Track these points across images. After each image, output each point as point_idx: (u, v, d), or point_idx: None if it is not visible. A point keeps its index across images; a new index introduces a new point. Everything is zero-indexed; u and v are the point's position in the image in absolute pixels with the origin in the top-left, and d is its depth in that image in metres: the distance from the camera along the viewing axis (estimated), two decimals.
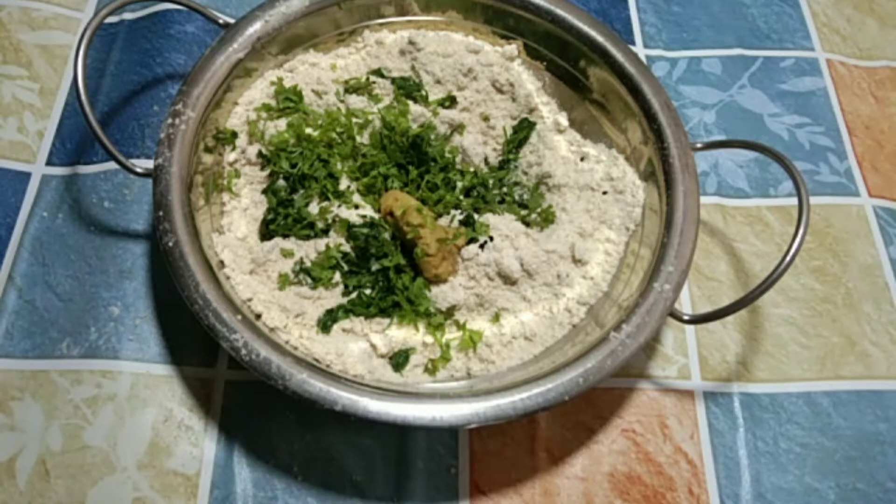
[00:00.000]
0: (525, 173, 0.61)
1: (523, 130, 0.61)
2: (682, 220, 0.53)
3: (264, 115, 0.59)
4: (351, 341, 0.53)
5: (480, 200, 0.59)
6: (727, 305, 0.50)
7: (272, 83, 0.60)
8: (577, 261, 0.56)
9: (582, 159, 0.61)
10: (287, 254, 0.55)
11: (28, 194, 0.62)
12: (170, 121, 0.54)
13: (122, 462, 0.52)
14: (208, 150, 0.57)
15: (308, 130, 0.59)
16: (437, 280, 0.54)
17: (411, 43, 0.62)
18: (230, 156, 0.58)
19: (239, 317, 0.48)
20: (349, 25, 0.64)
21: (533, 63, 0.65)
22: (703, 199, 0.66)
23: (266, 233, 0.56)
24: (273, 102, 0.60)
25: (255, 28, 0.59)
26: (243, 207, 0.57)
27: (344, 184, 0.58)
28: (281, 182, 0.57)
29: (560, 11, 0.62)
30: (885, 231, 0.66)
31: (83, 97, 0.52)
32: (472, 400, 0.46)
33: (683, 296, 0.62)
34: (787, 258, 0.48)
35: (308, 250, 0.55)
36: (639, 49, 0.75)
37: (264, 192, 0.58)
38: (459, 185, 0.59)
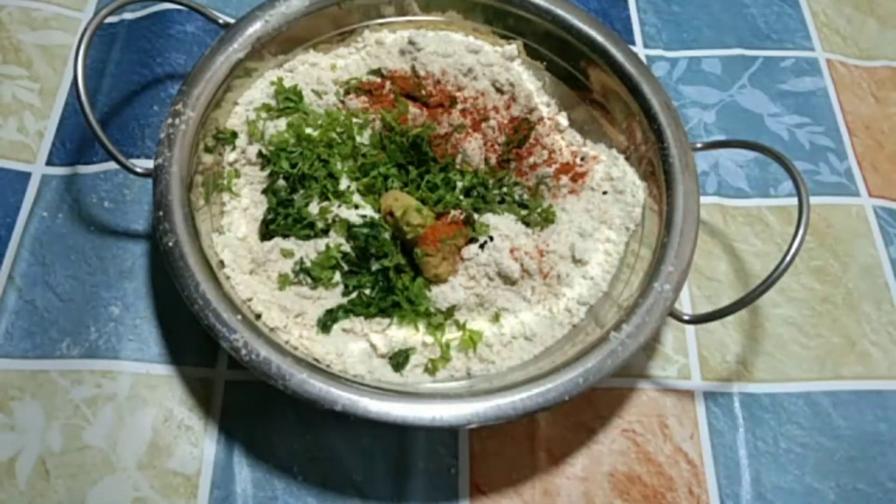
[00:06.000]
0: (525, 173, 0.61)
1: (523, 130, 0.61)
2: (682, 220, 0.53)
3: (264, 115, 0.59)
4: (351, 341, 0.53)
5: (480, 200, 0.58)
6: (727, 305, 0.49)
7: (272, 83, 0.60)
8: (577, 261, 0.56)
9: (582, 159, 0.61)
10: (287, 254, 0.54)
11: (28, 194, 0.62)
12: (170, 121, 0.54)
13: (122, 462, 0.52)
14: (208, 150, 0.57)
15: (308, 130, 0.59)
16: (437, 280, 0.54)
17: (411, 43, 0.62)
18: (230, 156, 0.58)
19: (239, 317, 0.48)
20: (349, 25, 0.64)
21: (533, 63, 0.65)
22: (703, 199, 0.65)
23: (266, 233, 0.56)
24: (273, 102, 0.60)
25: (255, 28, 0.59)
26: (243, 207, 0.57)
27: (344, 184, 0.58)
28: (281, 182, 0.57)
29: (560, 11, 0.62)
30: (885, 231, 0.66)
31: (83, 97, 0.52)
32: (472, 400, 0.46)
33: (683, 296, 0.62)
34: (787, 258, 0.48)
35: (308, 250, 0.55)
36: (639, 49, 0.75)
37: (264, 192, 0.58)
38: (459, 185, 0.59)
